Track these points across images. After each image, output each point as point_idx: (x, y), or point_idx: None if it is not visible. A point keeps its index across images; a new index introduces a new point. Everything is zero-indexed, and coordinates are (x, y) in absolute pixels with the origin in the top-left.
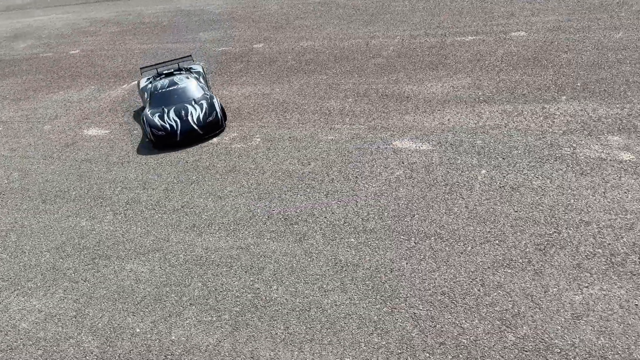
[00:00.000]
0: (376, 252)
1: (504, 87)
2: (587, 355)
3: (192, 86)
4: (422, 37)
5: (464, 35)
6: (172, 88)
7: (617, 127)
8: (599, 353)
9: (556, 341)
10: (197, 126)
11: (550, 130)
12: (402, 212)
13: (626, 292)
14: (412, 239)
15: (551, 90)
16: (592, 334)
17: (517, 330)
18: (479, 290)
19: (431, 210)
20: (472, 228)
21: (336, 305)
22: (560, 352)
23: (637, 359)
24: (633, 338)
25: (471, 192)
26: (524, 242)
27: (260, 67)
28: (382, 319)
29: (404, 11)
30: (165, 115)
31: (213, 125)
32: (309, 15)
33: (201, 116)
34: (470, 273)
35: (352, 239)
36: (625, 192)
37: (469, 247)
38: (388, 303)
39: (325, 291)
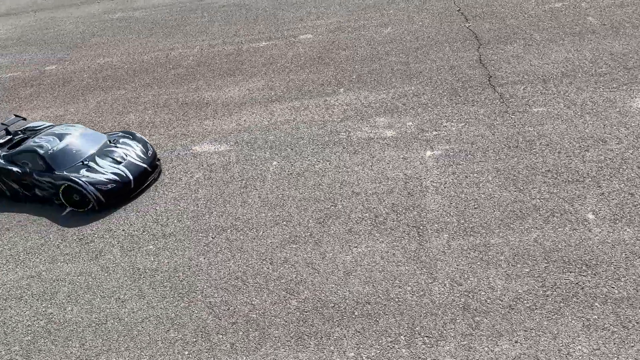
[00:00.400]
0: (175, 253)
1: (293, 86)
2: (355, 304)
3: (87, 130)
4: (220, 46)
5: (258, 41)
6: (70, 140)
7: (383, 110)
8: (364, 299)
9: (331, 297)
10: (145, 164)
11: (331, 119)
12: (201, 212)
13: (386, 245)
14: (210, 234)
15: (332, 84)
16: (359, 285)
17: (299, 296)
18: (268, 268)
19: (228, 205)
20: (263, 215)
21: (133, 312)
22: (334, 306)
23: (393, 298)
24: (391, 281)
25: (264, 182)
26: (307, 218)
27: (53, 89)
28: (179, 314)
29: (203, 22)
30: (97, 167)
31: (154, 160)
32: (107, 32)
33: (140, 153)
34: (261, 255)
35: (151, 246)
36: (388, 163)
37: (260, 232)
38: (185, 298)
39: (122, 301)
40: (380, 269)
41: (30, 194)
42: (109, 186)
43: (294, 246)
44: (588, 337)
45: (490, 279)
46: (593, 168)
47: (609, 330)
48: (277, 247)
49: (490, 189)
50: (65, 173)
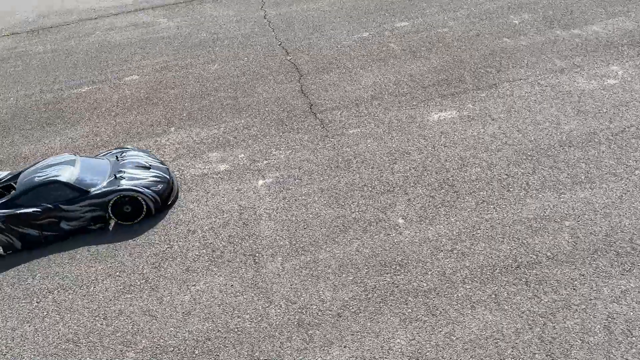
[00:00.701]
0: None
1: (120, 130)
2: (195, 343)
3: (84, 158)
4: (38, 95)
5: (80, 86)
6: (82, 163)
7: (215, 145)
8: (204, 336)
9: (170, 341)
10: (165, 166)
11: (163, 159)
12: (23, 276)
13: (224, 278)
14: (34, 299)
15: (162, 124)
16: (199, 323)
17: (137, 346)
18: (101, 324)
19: (53, 264)
20: (94, 269)
21: None
22: (173, 349)
23: (233, 329)
24: (230, 313)
25: (92, 234)
26: (142, 265)
27: None
28: None
29: (17, 71)
30: (133, 175)
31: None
32: None
33: (150, 158)
34: (93, 311)
35: None
36: (222, 197)
37: (92, 288)
38: None
39: None
40: (219, 303)
41: (55, 232)
42: (159, 187)
43: (129, 296)
44: (405, 329)
45: (320, 292)
46: (400, 178)
47: (421, 320)
48: (110, 300)
49: (317, 209)
50: (106, 189)
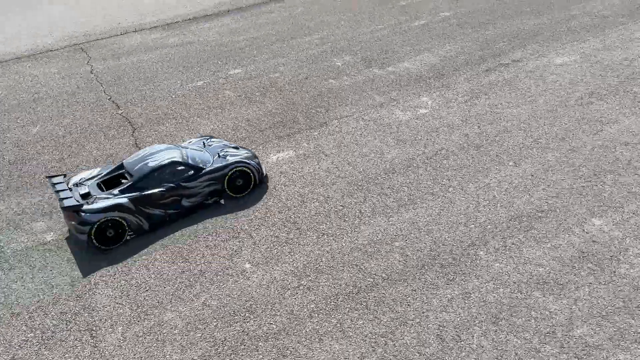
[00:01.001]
0: None
1: None
2: None
3: (169, 148)
4: None
5: None
6: (187, 147)
7: (40, 213)
8: None
9: None
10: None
11: None
12: None
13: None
14: None
15: None
16: None
17: None
18: None
19: None
20: None
21: None
22: None
23: None
24: None
25: None
26: None
27: None
28: None
29: None
30: (232, 153)
31: None
32: None
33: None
34: None
35: None
36: (51, 270)
37: None
38: None
39: None
40: None
41: (176, 210)
42: (256, 160)
43: None
44: None
45: (167, 356)
46: (245, 222)
47: None
48: None
49: (159, 267)
50: (219, 164)
